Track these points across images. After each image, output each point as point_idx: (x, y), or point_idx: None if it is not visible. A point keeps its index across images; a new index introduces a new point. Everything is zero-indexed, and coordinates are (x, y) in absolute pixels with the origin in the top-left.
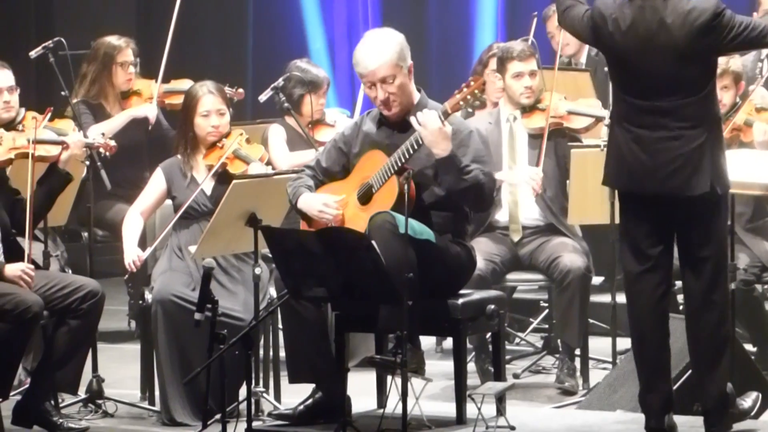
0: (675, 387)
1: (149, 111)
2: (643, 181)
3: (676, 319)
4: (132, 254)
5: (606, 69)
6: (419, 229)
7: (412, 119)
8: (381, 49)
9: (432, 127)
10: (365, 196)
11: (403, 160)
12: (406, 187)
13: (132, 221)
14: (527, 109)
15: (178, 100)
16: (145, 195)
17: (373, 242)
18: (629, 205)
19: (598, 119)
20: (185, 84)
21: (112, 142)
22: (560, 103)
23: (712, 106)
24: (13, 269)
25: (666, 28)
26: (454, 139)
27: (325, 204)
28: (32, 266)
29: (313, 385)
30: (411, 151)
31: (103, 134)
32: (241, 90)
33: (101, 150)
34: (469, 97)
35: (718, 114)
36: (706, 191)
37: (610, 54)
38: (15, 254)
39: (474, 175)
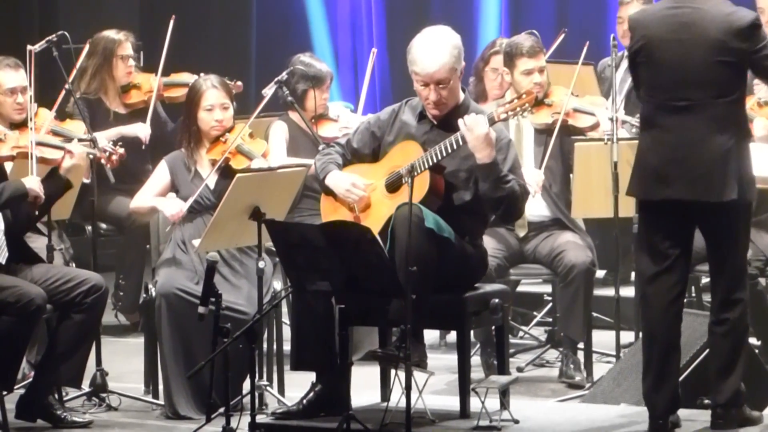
0: (680, 379)
1: (139, 131)
2: (667, 187)
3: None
4: (175, 206)
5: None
6: (443, 227)
7: (460, 122)
8: (441, 51)
9: (479, 131)
10: (393, 185)
11: (439, 158)
12: (408, 182)
13: (141, 197)
14: (533, 112)
15: (177, 93)
16: (150, 186)
17: (391, 234)
18: (650, 210)
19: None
20: (184, 77)
21: (121, 150)
22: (566, 99)
23: (740, 113)
24: (33, 182)
25: (702, 23)
26: (495, 147)
27: (353, 184)
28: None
29: (313, 379)
30: (448, 151)
31: (113, 143)
32: (240, 83)
33: (102, 161)
34: (518, 109)
35: (746, 123)
36: (733, 198)
37: (642, 50)
38: (20, 249)
39: (511, 186)
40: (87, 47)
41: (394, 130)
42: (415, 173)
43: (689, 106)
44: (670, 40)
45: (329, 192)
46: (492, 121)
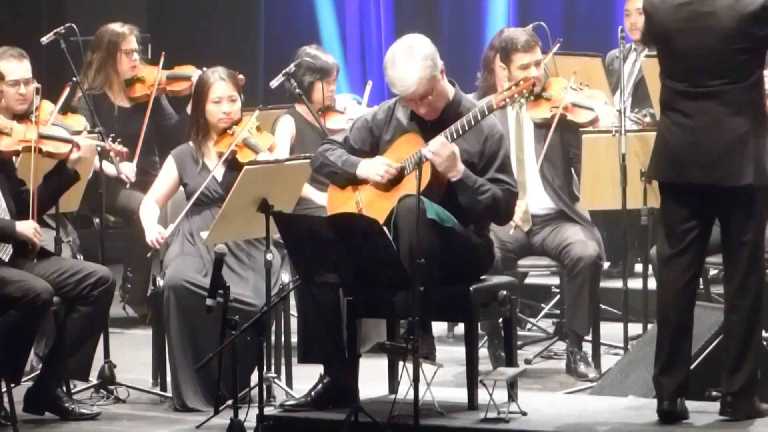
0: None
1: (118, 169)
2: (684, 170)
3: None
4: (154, 232)
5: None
6: (445, 217)
7: (424, 151)
8: (414, 68)
9: (446, 153)
10: (396, 177)
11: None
12: (417, 173)
13: (148, 207)
14: (532, 98)
15: (181, 86)
16: (158, 184)
17: (394, 226)
18: (668, 192)
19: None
20: (187, 70)
21: (124, 149)
22: (566, 93)
23: (757, 96)
24: (25, 227)
25: (715, 11)
26: (486, 146)
27: (387, 164)
28: (38, 226)
29: (321, 371)
30: (424, 159)
31: (112, 139)
32: (241, 76)
33: (112, 154)
34: (516, 95)
35: (763, 105)
36: (749, 183)
37: (657, 37)
38: (22, 240)
39: (489, 195)
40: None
41: (390, 129)
42: (423, 161)
43: (706, 93)
44: (685, 29)
45: (337, 183)
46: (491, 109)
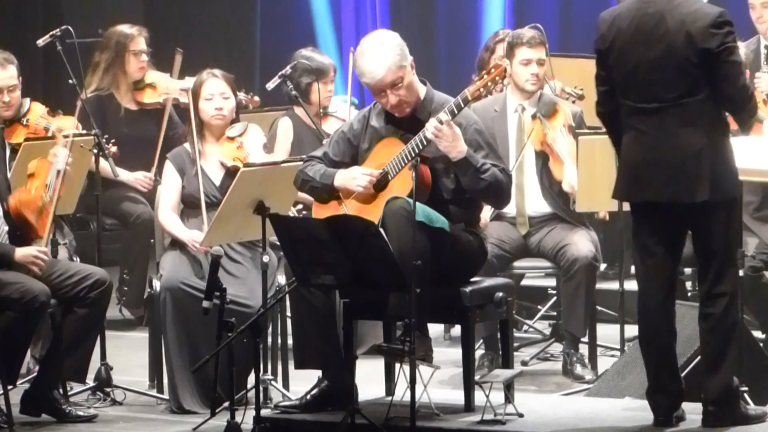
0: (683, 374)
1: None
2: (645, 188)
3: (684, 306)
4: (189, 240)
5: None
6: (434, 218)
7: (426, 132)
8: (383, 54)
9: (448, 132)
10: (381, 183)
11: (420, 148)
12: (413, 173)
13: (169, 218)
14: (504, 83)
15: None
16: (167, 192)
17: (382, 229)
18: (635, 209)
19: None
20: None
21: (114, 148)
22: (557, 137)
23: (713, 109)
24: (24, 253)
25: (665, 26)
26: (466, 136)
27: (363, 173)
28: (46, 249)
29: (319, 374)
30: (424, 143)
31: (107, 139)
32: (257, 98)
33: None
34: (490, 84)
35: (721, 118)
36: (705, 200)
37: (610, 55)
38: (24, 235)
39: (492, 173)
40: (99, 41)
41: (367, 138)
42: (416, 163)
43: (660, 108)
44: (638, 42)
45: (321, 199)
46: (466, 101)
